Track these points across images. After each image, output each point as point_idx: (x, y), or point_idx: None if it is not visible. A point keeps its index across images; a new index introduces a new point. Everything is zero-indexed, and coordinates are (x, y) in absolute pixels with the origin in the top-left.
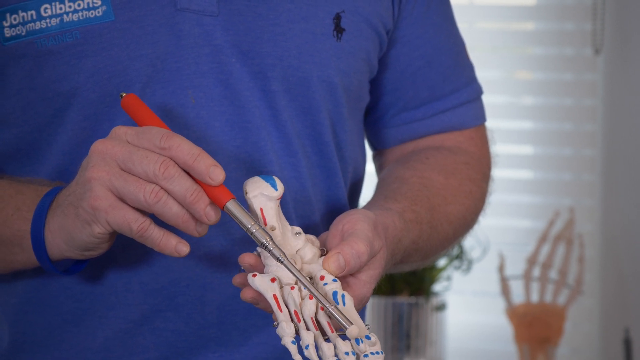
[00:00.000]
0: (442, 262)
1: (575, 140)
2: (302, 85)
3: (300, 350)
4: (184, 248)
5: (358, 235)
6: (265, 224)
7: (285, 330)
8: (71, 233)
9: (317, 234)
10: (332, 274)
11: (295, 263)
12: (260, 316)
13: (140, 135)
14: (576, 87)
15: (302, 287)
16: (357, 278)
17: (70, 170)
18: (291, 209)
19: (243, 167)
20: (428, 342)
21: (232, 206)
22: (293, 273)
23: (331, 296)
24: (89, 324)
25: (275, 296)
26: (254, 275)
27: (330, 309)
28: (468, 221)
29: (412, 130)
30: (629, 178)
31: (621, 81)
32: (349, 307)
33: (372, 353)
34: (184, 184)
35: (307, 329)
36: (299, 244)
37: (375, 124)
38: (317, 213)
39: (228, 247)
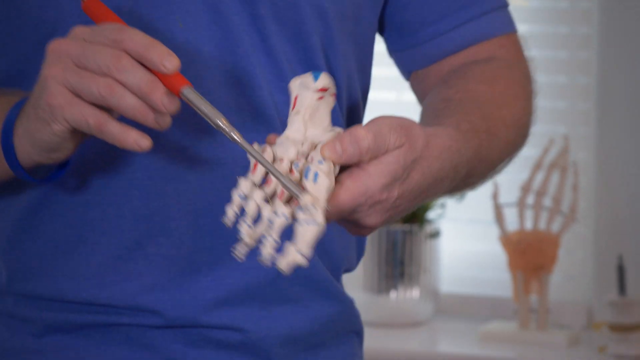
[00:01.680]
0: None
1: (571, 68)
2: (290, 9)
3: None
4: (145, 141)
5: (363, 125)
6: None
7: (241, 187)
8: (33, 134)
9: None
10: (328, 160)
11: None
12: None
13: (95, 32)
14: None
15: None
16: (362, 168)
17: None
18: None
19: (233, 91)
20: (422, 269)
21: (188, 92)
22: (246, 148)
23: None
24: (82, 251)
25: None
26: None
27: (277, 174)
28: (524, 122)
29: (437, 47)
30: (623, 106)
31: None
32: (320, 186)
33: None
34: (137, 75)
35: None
36: (325, 139)
37: (399, 47)
38: None
39: (223, 173)
